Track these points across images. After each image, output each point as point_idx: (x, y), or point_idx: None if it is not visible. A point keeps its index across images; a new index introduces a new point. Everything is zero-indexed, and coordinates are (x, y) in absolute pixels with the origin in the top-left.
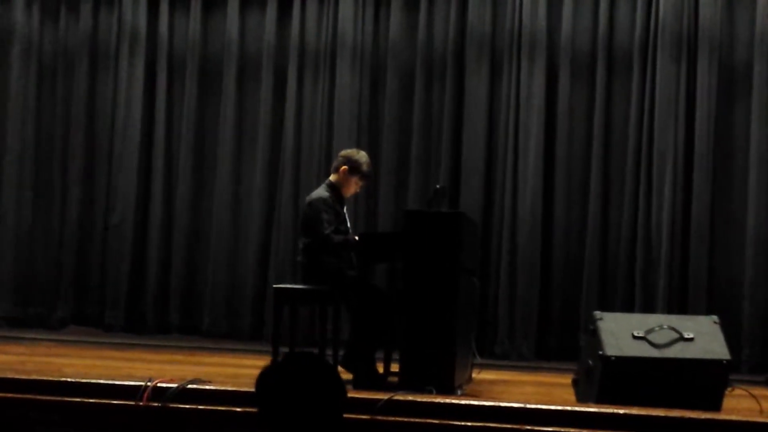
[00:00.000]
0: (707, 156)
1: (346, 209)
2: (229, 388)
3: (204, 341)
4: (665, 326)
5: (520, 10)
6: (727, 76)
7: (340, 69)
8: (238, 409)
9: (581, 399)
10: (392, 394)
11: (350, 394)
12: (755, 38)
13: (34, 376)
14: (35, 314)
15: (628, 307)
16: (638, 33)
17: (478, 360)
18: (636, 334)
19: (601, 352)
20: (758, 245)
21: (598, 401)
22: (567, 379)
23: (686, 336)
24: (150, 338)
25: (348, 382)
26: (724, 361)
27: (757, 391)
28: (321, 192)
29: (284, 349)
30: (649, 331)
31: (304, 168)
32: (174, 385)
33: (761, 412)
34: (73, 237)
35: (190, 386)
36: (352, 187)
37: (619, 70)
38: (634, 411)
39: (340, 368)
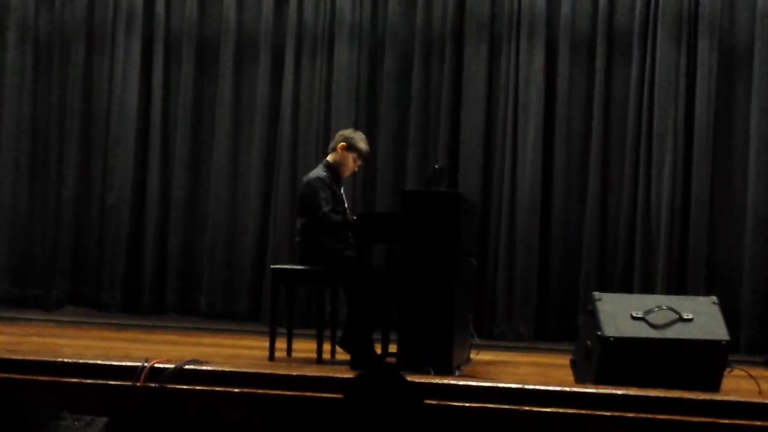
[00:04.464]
0: (707, 137)
1: (344, 190)
2: (227, 369)
3: (201, 322)
4: (664, 307)
5: None
6: (727, 58)
7: (338, 49)
8: (236, 390)
9: (579, 380)
10: None
11: (346, 375)
12: (755, 19)
13: (30, 357)
14: (32, 295)
15: (627, 288)
16: (638, 13)
17: (476, 340)
18: (635, 315)
19: (599, 333)
20: (757, 226)
21: (597, 382)
22: (565, 360)
23: (685, 317)
24: (147, 319)
25: (345, 362)
26: (723, 342)
27: (756, 371)
28: (318, 172)
29: (281, 330)
30: (648, 311)
31: (302, 148)
32: (171, 366)
33: (760, 392)
34: (69, 217)
35: (187, 367)
36: (350, 166)
37: (619, 51)
38: (633, 392)
39: (337, 348)
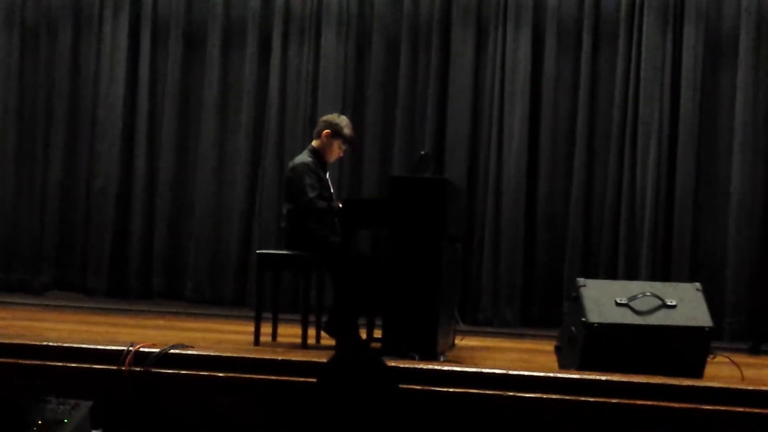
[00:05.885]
0: (692, 124)
1: (329, 175)
2: (212, 353)
3: (187, 306)
4: (648, 293)
5: None
6: (714, 45)
7: (326, 35)
8: (221, 374)
9: (563, 365)
10: None
11: None
12: (741, 6)
13: (15, 341)
14: (17, 279)
15: (612, 275)
16: (625, 1)
17: (461, 326)
18: (619, 301)
19: (583, 319)
20: (742, 214)
21: (580, 368)
22: (550, 346)
23: (669, 303)
24: (132, 303)
25: (330, 347)
26: (707, 329)
27: (739, 358)
28: (304, 157)
29: (267, 315)
30: (632, 298)
31: (289, 134)
32: (156, 350)
33: (742, 379)
34: (55, 202)
35: (172, 351)
36: (335, 152)
37: (605, 37)
38: (616, 377)
39: (322, 333)
